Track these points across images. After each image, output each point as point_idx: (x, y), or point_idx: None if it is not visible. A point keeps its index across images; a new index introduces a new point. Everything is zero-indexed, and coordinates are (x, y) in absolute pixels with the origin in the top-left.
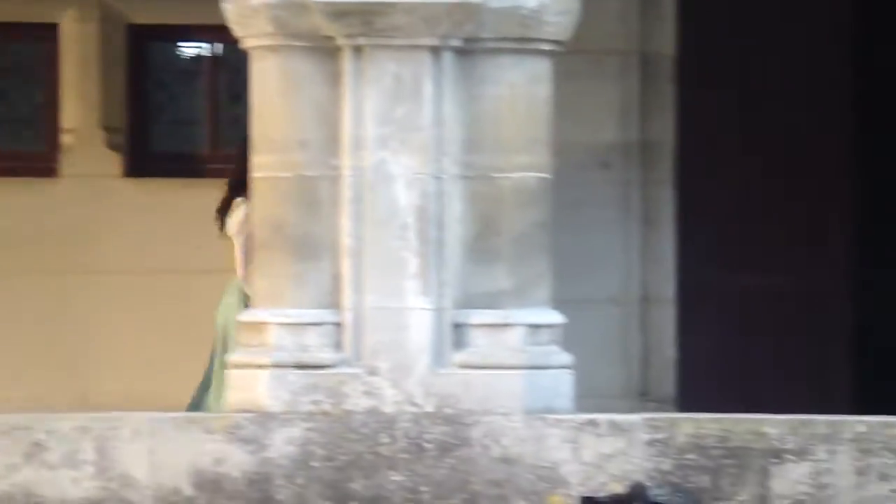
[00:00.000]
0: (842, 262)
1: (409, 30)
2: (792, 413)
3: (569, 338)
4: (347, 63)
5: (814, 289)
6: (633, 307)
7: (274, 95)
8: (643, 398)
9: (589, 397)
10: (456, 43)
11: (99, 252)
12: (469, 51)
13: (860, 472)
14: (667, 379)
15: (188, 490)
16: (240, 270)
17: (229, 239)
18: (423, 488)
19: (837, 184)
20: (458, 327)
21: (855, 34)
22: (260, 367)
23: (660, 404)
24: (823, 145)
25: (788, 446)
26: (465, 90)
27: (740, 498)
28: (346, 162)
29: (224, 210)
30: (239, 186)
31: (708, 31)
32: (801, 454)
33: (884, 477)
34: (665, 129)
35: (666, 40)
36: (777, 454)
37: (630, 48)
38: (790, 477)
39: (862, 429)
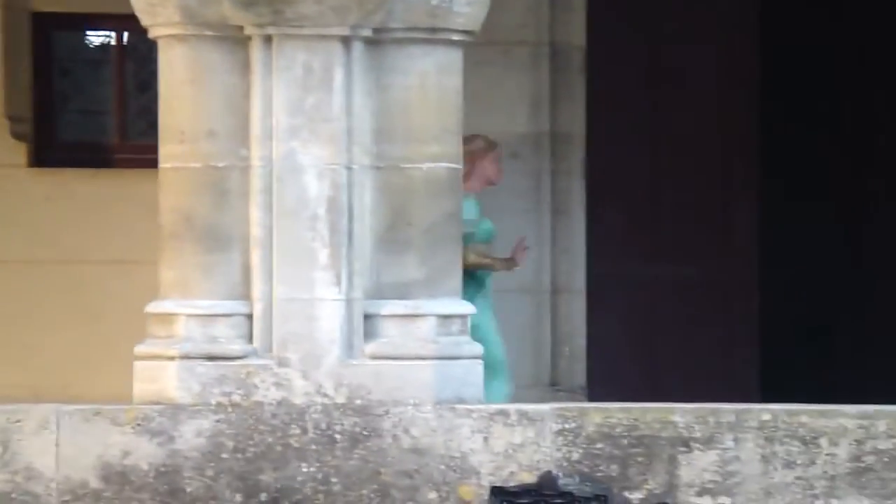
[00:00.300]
0: (749, 252)
1: (318, 19)
2: (700, 402)
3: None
4: (257, 53)
5: (722, 278)
6: (544, 297)
7: (182, 85)
8: (554, 388)
9: None
10: (366, 33)
11: (3, 242)
12: (379, 41)
13: (766, 460)
14: (577, 368)
15: (95, 483)
16: None
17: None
18: (333, 479)
19: (745, 175)
20: (369, 318)
21: (763, 24)
22: (169, 358)
23: (570, 394)
24: (731, 137)
25: (696, 435)
26: (375, 80)
27: (649, 486)
28: (255, 152)
29: None
30: None
31: (618, 21)
32: (708, 442)
33: (788, 464)
34: (575, 119)
35: (576, 31)
36: (685, 442)
37: (540, 39)
38: (698, 465)
39: (767, 417)
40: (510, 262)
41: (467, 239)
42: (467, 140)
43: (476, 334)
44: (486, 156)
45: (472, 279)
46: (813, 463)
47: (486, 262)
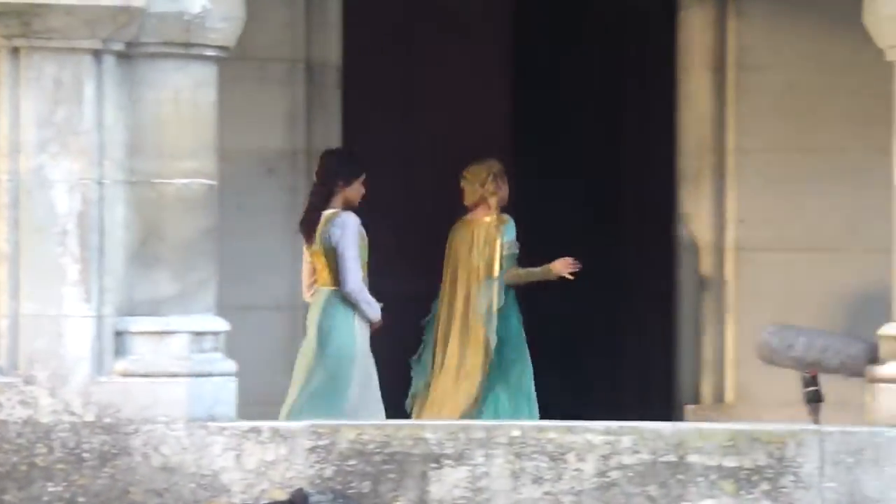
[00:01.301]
0: None
1: (68, 32)
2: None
3: (234, 344)
4: (4, 65)
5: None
6: (299, 313)
7: None
8: None
9: (254, 404)
10: (118, 46)
11: None
12: (132, 55)
13: (515, 475)
14: None
15: None
16: (354, 278)
17: (317, 252)
18: (80, 499)
19: None
20: (120, 335)
21: (515, 46)
22: None
23: None
24: (484, 153)
25: (447, 451)
26: (128, 94)
27: (400, 502)
28: (3, 166)
29: (311, 223)
30: (323, 199)
31: (373, 38)
32: (459, 459)
33: (536, 479)
34: (331, 136)
35: (331, 48)
36: (436, 459)
37: (296, 56)
38: (448, 481)
39: (516, 433)
40: (548, 270)
41: (513, 258)
42: (488, 164)
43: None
44: (504, 177)
45: (513, 299)
46: (560, 478)
47: (536, 272)
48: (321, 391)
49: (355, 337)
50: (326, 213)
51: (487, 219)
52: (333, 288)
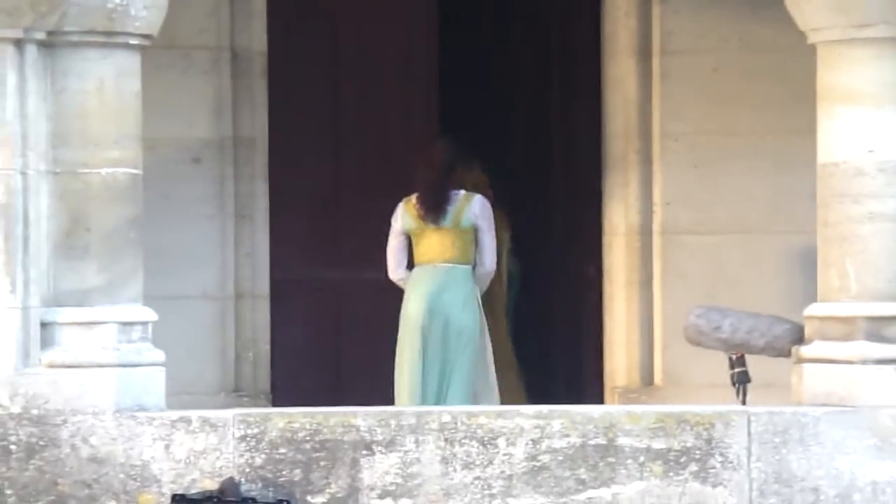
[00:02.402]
0: None
1: None
2: (383, 405)
3: (162, 334)
4: None
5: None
6: (228, 303)
7: None
8: (238, 394)
9: (183, 394)
10: (40, 36)
11: None
12: (55, 44)
13: (445, 461)
14: (261, 374)
15: None
16: (493, 258)
17: (444, 230)
18: (7, 491)
19: None
20: (47, 326)
21: (439, 36)
22: None
23: (254, 399)
24: (411, 142)
25: (378, 438)
26: (51, 84)
27: (331, 490)
28: None
29: (439, 203)
30: (451, 181)
31: (299, 25)
32: (390, 445)
33: (467, 465)
34: (258, 124)
35: (256, 36)
36: (367, 446)
37: (221, 44)
38: (380, 468)
39: (447, 419)
40: None
41: None
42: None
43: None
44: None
45: None
46: (491, 463)
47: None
48: (469, 370)
49: (480, 312)
50: (464, 193)
51: None
52: (462, 264)
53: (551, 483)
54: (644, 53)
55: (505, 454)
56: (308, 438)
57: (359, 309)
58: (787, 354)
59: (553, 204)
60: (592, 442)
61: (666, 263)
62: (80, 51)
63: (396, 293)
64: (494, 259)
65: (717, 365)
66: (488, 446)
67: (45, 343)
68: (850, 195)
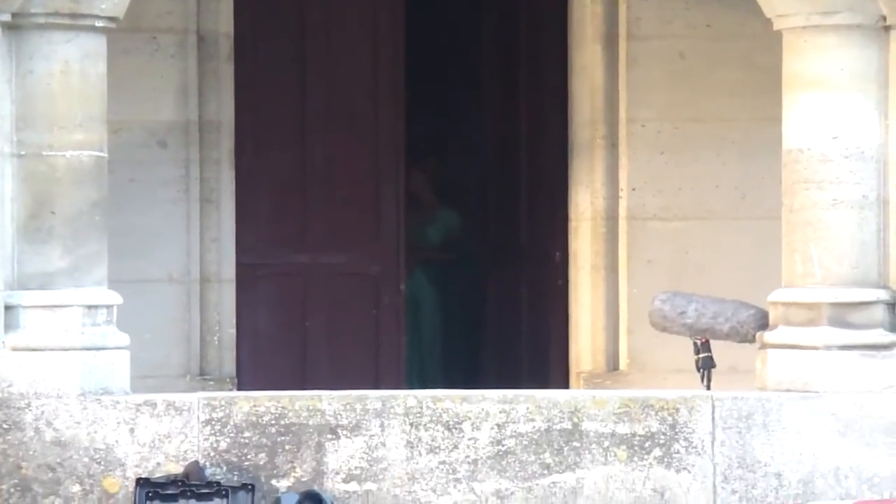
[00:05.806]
0: (395, 242)
1: None
2: (348, 389)
3: (127, 318)
4: None
5: (369, 268)
6: (193, 286)
7: None
8: (203, 377)
9: (148, 377)
10: (5, 17)
11: None
12: (20, 26)
13: (411, 445)
14: (227, 358)
15: None
16: None
17: None
18: None
19: (393, 165)
20: (11, 309)
21: (407, 19)
22: None
23: (219, 383)
24: (380, 126)
25: (343, 422)
26: (16, 66)
27: (296, 474)
28: None
29: None
30: None
31: (265, 8)
32: (355, 429)
33: (433, 449)
34: (224, 108)
35: (223, 19)
36: (332, 430)
37: (187, 27)
38: (345, 452)
39: (412, 403)
40: None
41: None
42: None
43: None
44: None
45: None
46: (456, 447)
47: None
48: None
49: None
50: None
51: None
52: None
53: (516, 467)
54: (610, 39)
55: (470, 438)
56: (273, 422)
57: (324, 294)
58: (752, 340)
59: (519, 189)
60: (557, 426)
61: (631, 249)
62: (46, 33)
63: (363, 277)
64: None
65: (682, 350)
66: (454, 430)
67: (9, 326)
68: (815, 181)
